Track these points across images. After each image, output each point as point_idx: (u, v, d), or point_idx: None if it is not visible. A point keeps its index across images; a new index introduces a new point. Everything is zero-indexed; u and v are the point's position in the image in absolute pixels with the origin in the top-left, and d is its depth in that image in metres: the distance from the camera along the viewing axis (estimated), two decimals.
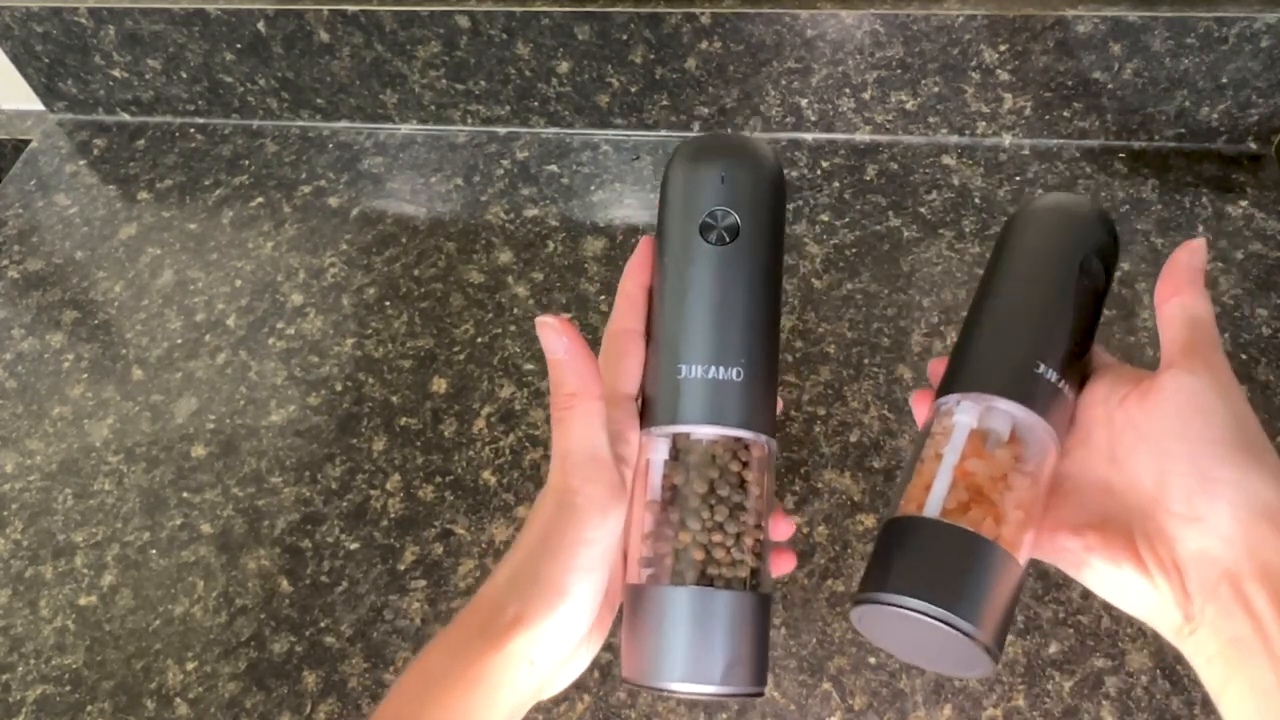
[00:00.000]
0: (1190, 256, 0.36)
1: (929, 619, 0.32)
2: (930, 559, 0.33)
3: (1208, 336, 0.34)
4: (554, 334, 0.35)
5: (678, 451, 0.37)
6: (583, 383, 0.35)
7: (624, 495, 0.35)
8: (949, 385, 0.37)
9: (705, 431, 0.36)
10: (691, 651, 0.34)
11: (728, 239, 0.37)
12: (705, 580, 0.35)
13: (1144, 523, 0.34)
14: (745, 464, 0.37)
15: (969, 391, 0.36)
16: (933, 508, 0.34)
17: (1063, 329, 0.37)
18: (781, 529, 0.39)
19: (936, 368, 0.40)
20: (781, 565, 0.39)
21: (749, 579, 0.36)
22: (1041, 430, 0.35)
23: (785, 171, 0.74)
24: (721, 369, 0.36)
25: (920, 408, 0.39)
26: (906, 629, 0.33)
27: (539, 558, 0.34)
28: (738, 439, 0.36)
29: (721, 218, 0.37)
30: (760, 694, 0.35)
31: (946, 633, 0.32)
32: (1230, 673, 0.31)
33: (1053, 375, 0.35)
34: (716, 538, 0.35)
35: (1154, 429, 0.33)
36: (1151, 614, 0.34)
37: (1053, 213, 0.39)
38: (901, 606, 0.32)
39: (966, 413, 0.36)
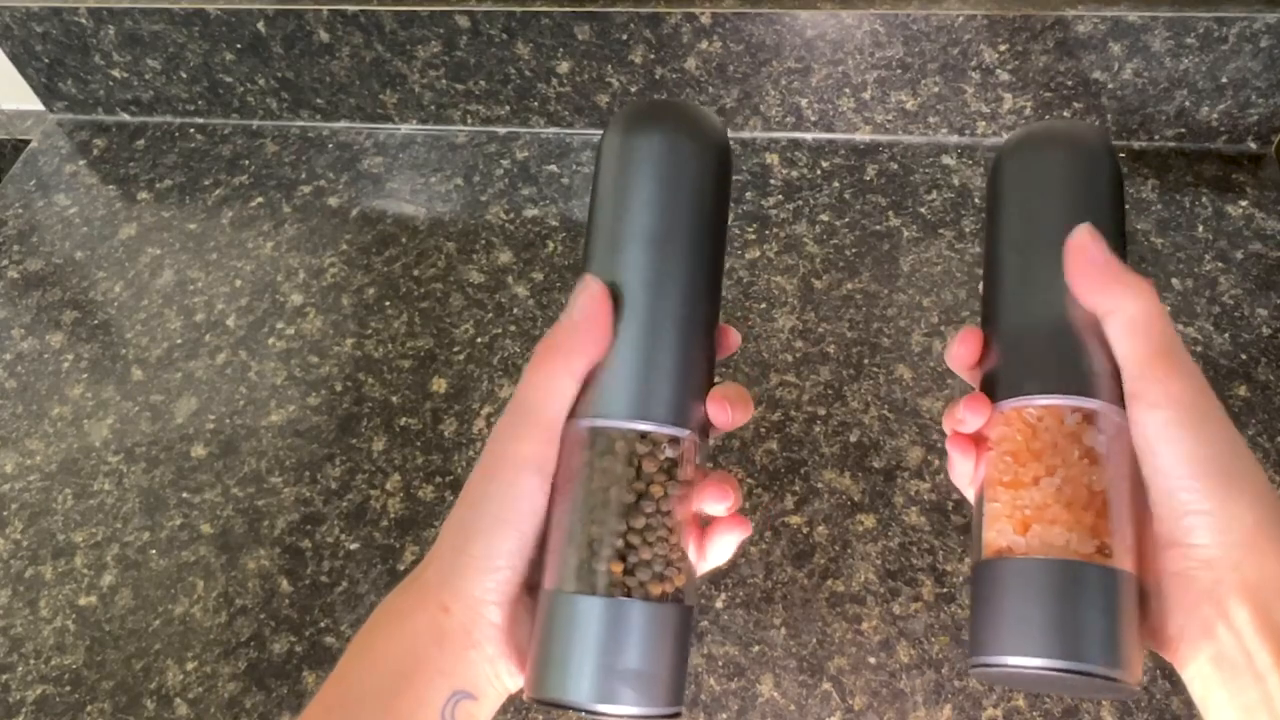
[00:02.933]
0: (1086, 253, 0.33)
1: (1088, 677, 0.30)
2: (1075, 609, 0.31)
3: (1160, 344, 0.32)
4: (584, 297, 0.34)
5: (596, 448, 0.34)
6: (570, 343, 0.34)
7: (547, 462, 0.34)
8: (1022, 384, 0.34)
9: (621, 425, 0.34)
10: (598, 668, 0.32)
11: (659, 218, 0.35)
12: (616, 590, 0.33)
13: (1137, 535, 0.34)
14: (668, 463, 0.34)
15: (1055, 394, 0.33)
16: (1058, 546, 0.32)
17: None
18: (716, 502, 0.35)
19: (971, 344, 0.36)
20: (730, 530, 0.36)
21: (666, 588, 0.33)
22: (1121, 419, 0.33)
23: (785, 171, 0.74)
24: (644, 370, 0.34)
25: (980, 410, 0.35)
26: (1047, 678, 0.32)
27: (462, 503, 0.35)
28: (659, 435, 0.34)
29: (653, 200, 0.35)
30: (677, 714, 0.33)
31: (1098, 683, 0.31)
32: (1213, 688, 0.31)
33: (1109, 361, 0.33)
34: (633, 543, 0.33)
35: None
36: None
37: (1071, 160, 0.36)
38: (1054, 670, 0.30)
39: (1108, 430, 0.33)
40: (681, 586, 0.34)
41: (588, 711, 0.32)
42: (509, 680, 0.35)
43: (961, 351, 0.36)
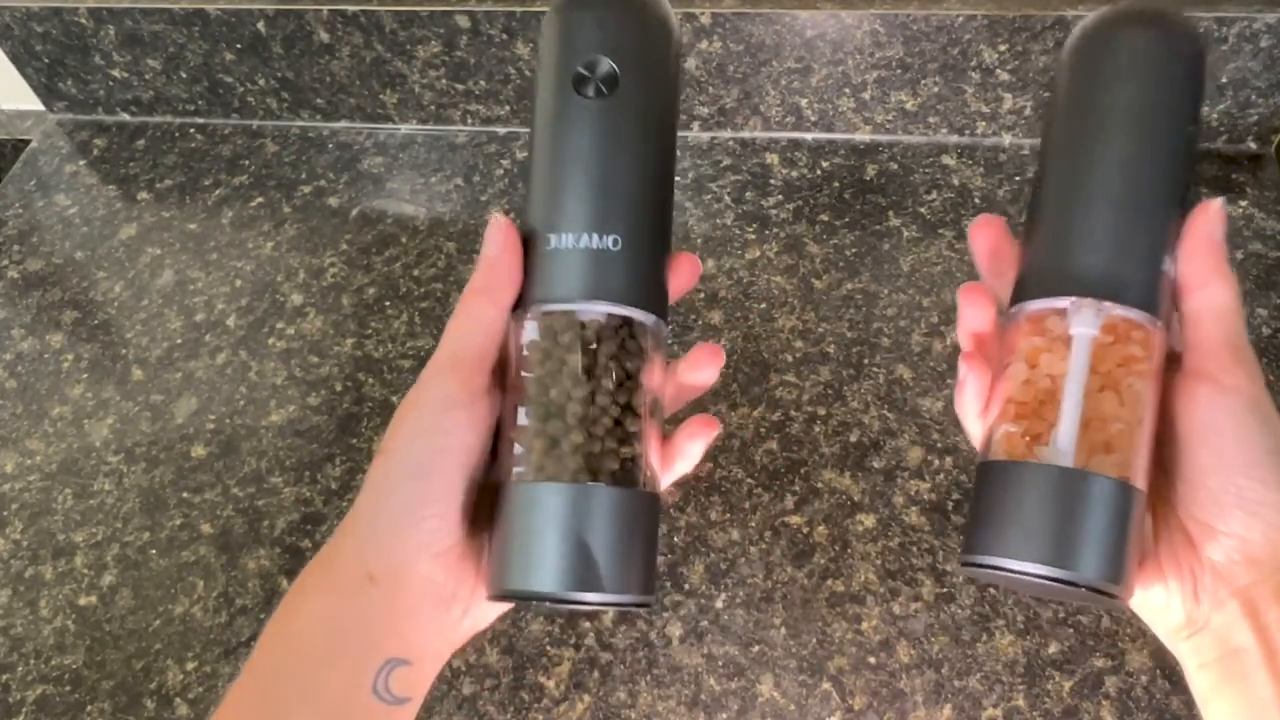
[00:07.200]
0: (1210, 227, 0.31)
1: (1082, 589, 0.30)
2: (1084, 521, 0.30)
3: (1236, 339, 0.31)
4: (496, 231, 0.33)
5: (552, 333, 0.32)
6: (485, 282, 0.33)
7: (476, 400, 0.33)
8: (1052, 283, 0.31)
9: (576, 308, 0.32)
10: (563, 555, 0.30)
11: (605, 92, 0.32)
12: (576, 474, 0.31)
13: (1168, 517, 0.33)
14: (627, 343, 0.32)
15: (1090, 296, 0.30)
16: (1066, 452, 0.30)
17: (1179, 208, 0.31)
18: (703, 374, 0.35)
19: (988, 237, 0.35)
20: (700, 431, 0.35)
21: (629, 473, 0.32)
22: (1160, 337, 0.32)
23: (785, 171, 0.74)
24: (596, 237, 0.32)
25: (979, 307, 0.33)
26: (1041, 585, 0.31)
27: (376, 460, 0.33)
28: (617, 316, 0.32)
29: (596, 68, 0.32)
30: (648, 605, 0.32)
31: (1097, 596, 0.30)
32: (1225, 681, 0.31)
33: (1173, 270, 0.31)
34: (595, 429, 0.31)
35: (1190, 439, 0.31)
36: (1153, 610, 0.33)
37: (1152, 40, 0.32)
38: (1053, 580, 0.30)
39: (1086, 324, 0.31)
40: (647, 473, 0.33)
41: (556, 601, 0.31)
42: (453, 634, 0.34)
43: (981, 240, 0.35)
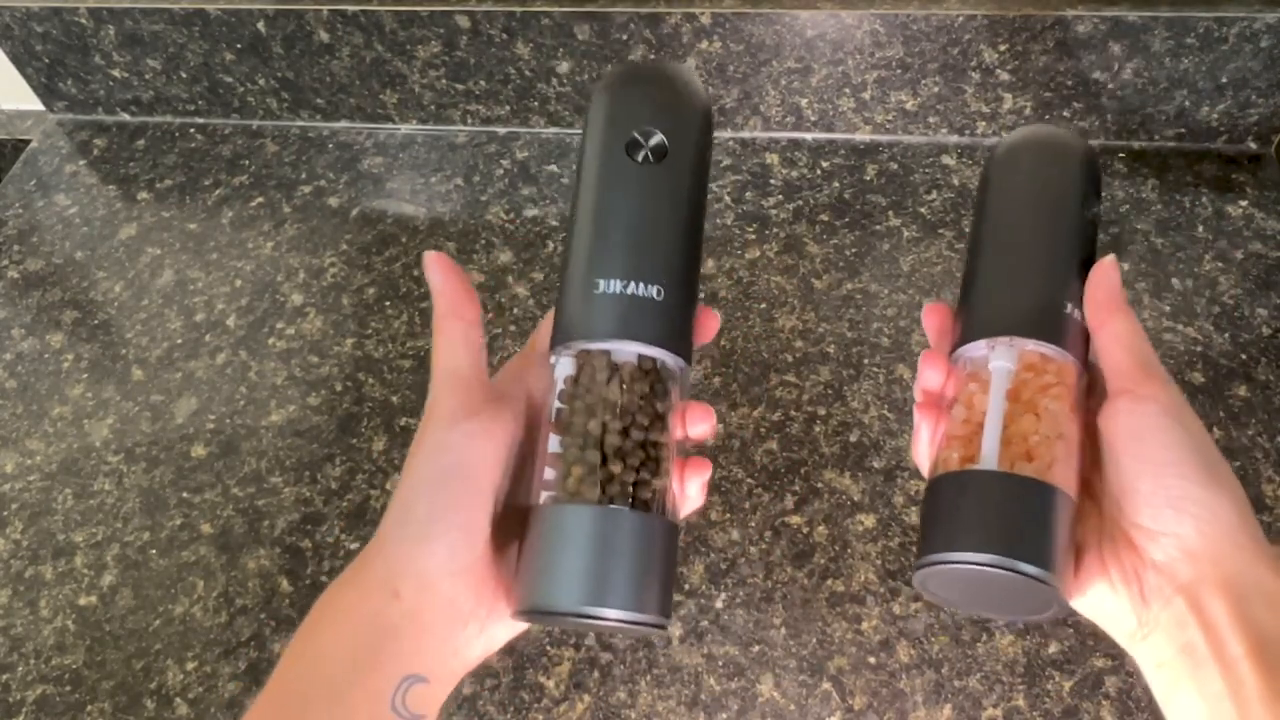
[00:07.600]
0: (1104, 279, 0.36)
1: (1011, 574, 0.32)
2: (1004, 512, 0.33)
3: (1144, 358, 0.35)
4: (433, 263, 0.36)
5: (592, 368, 0.35)
6: (448, 306, 0.36)
7: (483, 411, 0.34)
8: (979, 330, 0.37)
9: (617, 347, 0.34)
10: (590, 573, 0.32)
11: (654, 160, 0.35)
12: (607, 500, 0.33)
13: (1111, 528, 0.35)
14: (657, 385, 0.35)
15: (1002, 335, 0.36)
16: (989, 459, 0.34)
17: (1080, 267, 0.37)
18: (699, 428, 0.37)
19: (935, 318, 0.40)
20: (695, 472, 0.38)
21: (654, 502, 0.34)
22: (1074, 368, 0.36)
23: (785, 171, 0.74)
24: (641, 285, 0.34)
25: (934, 368, 0.39)
26: (979, 584, 0.34)
27: (399, 482, 0.34)
28: (651, 358, 0.35)
29: (649, 138, 0.36)
30: (663, 627, 0.33)
31: (1028, 585, 0.32)
32: (1180, 678, 0.32)
33: (1078, 314, 0.36)
34: (627, 458, 0.34)
35: (1117, 449, 0.34)
36: (1107, 616, 0.35)
37: (1046, 150, 0.40)
38: (982, 565, 0.32)
39: (1003, 358, 0.36)
40: (669, 504, 0.35)
41: (577, 617, 0.32)
42: (468, 653, 0.35)
43: (930, 321, 0.40)
